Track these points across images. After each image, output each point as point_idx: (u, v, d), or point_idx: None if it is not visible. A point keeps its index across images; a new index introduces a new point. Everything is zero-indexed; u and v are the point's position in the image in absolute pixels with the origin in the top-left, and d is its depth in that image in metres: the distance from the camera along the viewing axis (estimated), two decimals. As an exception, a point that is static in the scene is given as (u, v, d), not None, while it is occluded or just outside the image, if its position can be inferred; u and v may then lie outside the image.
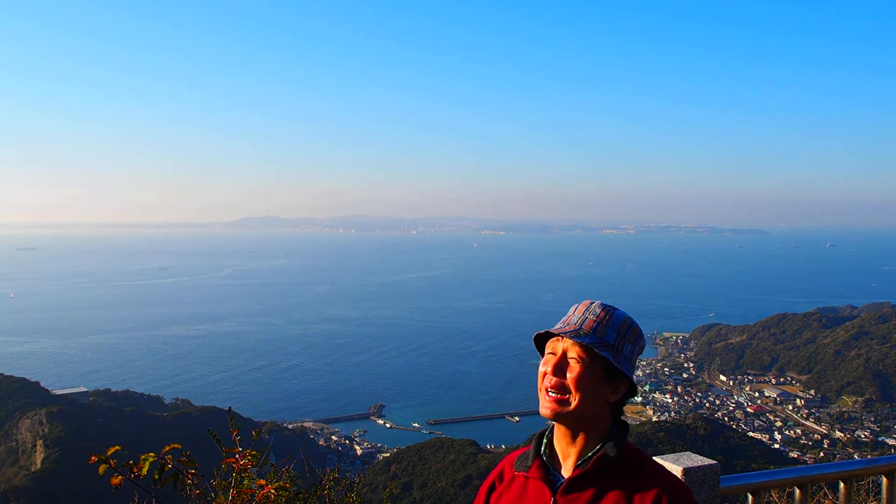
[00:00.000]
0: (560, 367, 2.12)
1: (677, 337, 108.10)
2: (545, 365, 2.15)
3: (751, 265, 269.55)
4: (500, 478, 2.30)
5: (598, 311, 2.16)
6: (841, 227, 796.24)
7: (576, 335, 2.10)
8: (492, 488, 2.31)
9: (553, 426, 2.20)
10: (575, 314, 2.18)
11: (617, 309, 2.19)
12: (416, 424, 71.58)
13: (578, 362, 2.10)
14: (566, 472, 2.14)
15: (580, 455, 2.13)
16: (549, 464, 2.18)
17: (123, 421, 51.11)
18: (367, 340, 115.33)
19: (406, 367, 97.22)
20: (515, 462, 2.25)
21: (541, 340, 2.22)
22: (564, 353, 2.13)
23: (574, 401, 2.08)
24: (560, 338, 2.15)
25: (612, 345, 2.11)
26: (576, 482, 2.09)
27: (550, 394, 2.10)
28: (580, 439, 2.13)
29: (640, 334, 2.18)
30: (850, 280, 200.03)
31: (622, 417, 2.20)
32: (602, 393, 2.11)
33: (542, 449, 2.21)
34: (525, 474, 2.20)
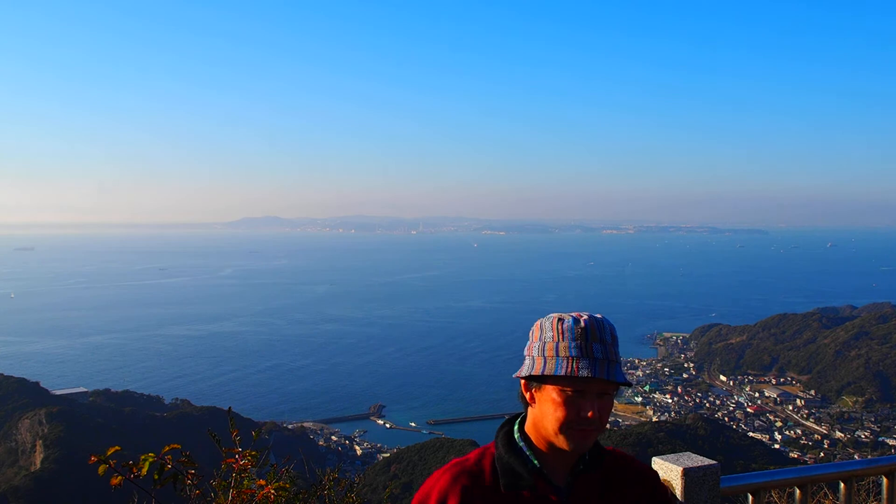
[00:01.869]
0: (604, 408, 2.03)
1: (677, 337, 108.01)
2: (582, 408, 1.99)
3: (751, 265, 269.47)
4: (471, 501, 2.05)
5: (611, 330, 2.05)
6: (841, 227, 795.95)
7: (619, 375, 2.01)
8: None
9: (518, 434, 2.16)
10: (587, 340, 2.01)
11: (603, 317, 2.09)
12: (413, 424, 71.59)
13: (610, 396, 2.05)
14: (559, 477, 2.12)
15: (577, 458, 2.13)
16: (546, 473, 2.11)
17: (123, 421, 51.14)
18: (367, 341, 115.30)
19: (406, 367, 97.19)
20: (503, 481, 2.07)
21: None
22: (598, 392, 2.02)
23: (601, 430, 2.05)
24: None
25: (621, 361, 2.12)
26: (584, 483, 2.12)
27: (585, 430, 2.01)
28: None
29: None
30: (851, 280, 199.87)
31: None
32: None
33: (535, 459, 2.11)
34: (526, 493, 2.07)
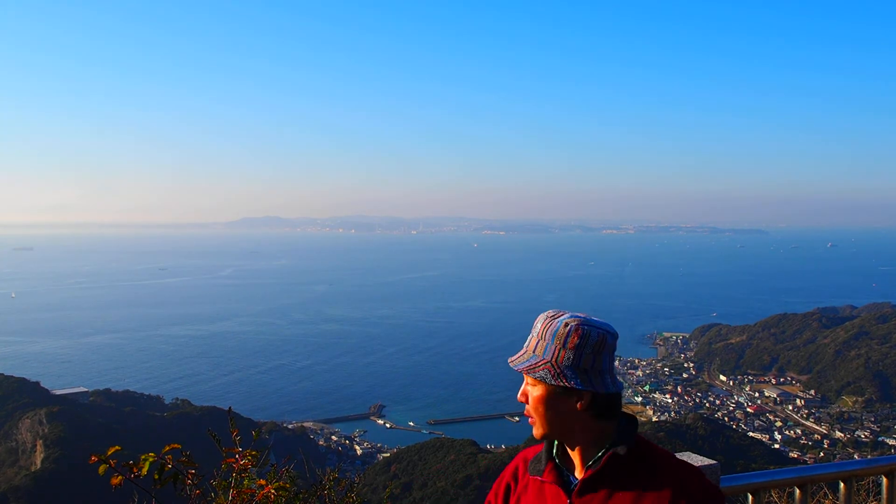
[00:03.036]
0: (525, 395, 2.16)
1: (677, 337, 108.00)
2: None
3: (751, 265, 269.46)
4: (515, 478, 2.32)
5: (539, 326, 2.12)
6: (841, 227, 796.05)
7: (513, 363, 2.14)
8: (508, 489, 2.33)
9: None
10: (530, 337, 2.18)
11: (558, 316, 2.09)
12: (412, 423, 71.63)
13: (534, 386, 2.12)
14: (579, 473, 2.13)
15: (587, 457, 2.11)
16: (563, 466, 2.18)
17: (123, 421, 51.16)
18: (367, 341, 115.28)
19: (407, 367, 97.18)
20: (529, 466, 2.26)
21: None
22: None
23: (539, 423, 2.12)
24: None
25: (548, 360, 2.05)
26: (589, 483, 2.08)
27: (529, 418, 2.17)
28: (578, 447, 2.13)
29: (584, 335, 2.02)
30: (851, 280, 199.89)
31: (627, 412, 2.16)
32: (566, 406, 2.06)
33: (555, 451, 2.20)
34: (540, 479, 2.19)
